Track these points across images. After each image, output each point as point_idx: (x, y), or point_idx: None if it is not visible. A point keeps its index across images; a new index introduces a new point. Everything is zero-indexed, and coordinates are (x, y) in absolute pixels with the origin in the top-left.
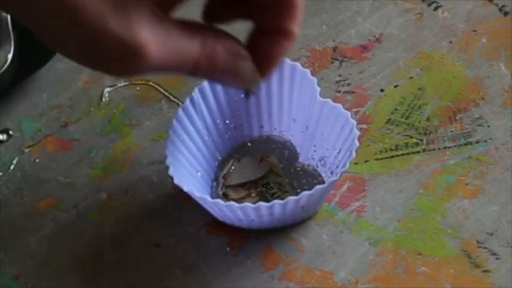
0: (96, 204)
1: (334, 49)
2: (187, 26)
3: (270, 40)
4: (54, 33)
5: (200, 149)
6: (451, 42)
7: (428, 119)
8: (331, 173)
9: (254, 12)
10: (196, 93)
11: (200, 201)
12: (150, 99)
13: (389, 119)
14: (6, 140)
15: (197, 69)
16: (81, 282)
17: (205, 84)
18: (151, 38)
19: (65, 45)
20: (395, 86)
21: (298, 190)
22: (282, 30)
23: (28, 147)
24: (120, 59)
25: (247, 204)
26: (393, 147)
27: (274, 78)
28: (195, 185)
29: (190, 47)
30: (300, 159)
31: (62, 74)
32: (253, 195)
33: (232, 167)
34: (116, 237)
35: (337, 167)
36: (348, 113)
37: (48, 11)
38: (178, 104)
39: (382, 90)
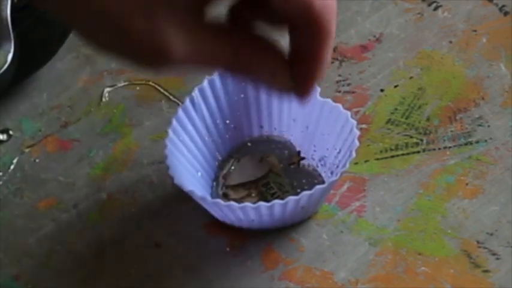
0: (96, 204)
1: (334, 49)
2: (223, 30)
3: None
4: (85, 29)
5: (200, 149)
6: (451, 42)
7: (428, 119)
8: (331, 173)
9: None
10: (196, 93)
11: (200, 201)
12: (150, 99)
13: (389, 119)
14: (6, 140)
15: (228, 71)
16: (81, 282)
17: (205, 84)
18: (177, 38)
19: (97, 40)
20: (395, 86)
21: (298, 190)
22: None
23: (28, 147)
24: (146, 55)
25: (247, 204)
26: (393, 147)
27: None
28: (195, 185)
29: (222, 51)
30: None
31: (62, 74)
32: (253, 195)
33: (232, 167)
34: (116, 237)
35: (337, 167)
36: (348, 113)
37: (79, 9)
38: (178, 104)
39: (382, 90)
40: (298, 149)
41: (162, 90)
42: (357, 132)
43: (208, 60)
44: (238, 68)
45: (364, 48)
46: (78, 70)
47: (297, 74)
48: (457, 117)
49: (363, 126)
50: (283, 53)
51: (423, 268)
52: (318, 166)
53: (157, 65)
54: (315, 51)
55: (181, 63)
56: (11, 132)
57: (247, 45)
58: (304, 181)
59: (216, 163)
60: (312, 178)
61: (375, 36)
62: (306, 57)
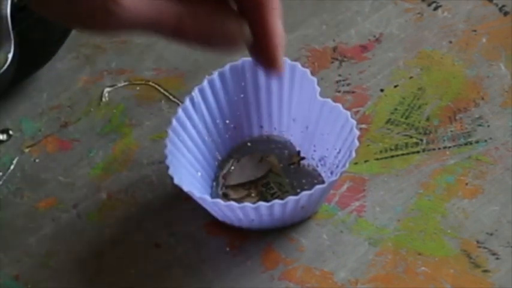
0: (96, 204)
1: (334, 49)
2: None
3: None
4: None
5: (200, 149)
6: (451, 42)
7: (428, 119)
8: (331, 173)
9: None
10: (196, 93)
11: (200, 201)
12: (150, 99)
13: (389, 118)
14: (6, 140)
15: (180, 29)
16: (81, 282)
17: (205, 84)
18: None
19: (46, 4)
20: (395, 86)
21: (298, 190)
22: None
23: (28, 147)
24: (94, 8)
25: (247, 204)
26: (393, 147)
27: (274, 78)
28: (195, 185)
29: (173, 3)
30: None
31: (62, 74)
32: (253, 195)
33: (232, 167)
34: (116, 237)
35: (337, 166)
36: (348, 113)
37: None
38: (178, 104)
39: (382, 90)
40: (298, 149)
41: (162, 90)
42: (357, 132)
43: (159, 13)
44: (189, 22)
45: (364, 48)
46: (78, 70)
47: (255, 46)
48: (457, 117)
49: (363, 126)
50: (236, 16)
51: (423, 268)
52: (317, 166)
53: (107, 19)
54: (261, 18)
55: (130, 16)
56: (11, 132)
57: (196, 8)
58: (304, 181)
59: (216, 163)
60: (311, 178)
61: (374, 36)
62: (256, 27)
